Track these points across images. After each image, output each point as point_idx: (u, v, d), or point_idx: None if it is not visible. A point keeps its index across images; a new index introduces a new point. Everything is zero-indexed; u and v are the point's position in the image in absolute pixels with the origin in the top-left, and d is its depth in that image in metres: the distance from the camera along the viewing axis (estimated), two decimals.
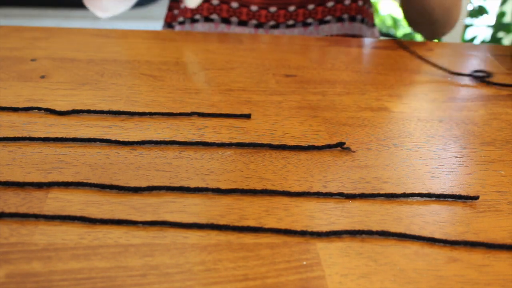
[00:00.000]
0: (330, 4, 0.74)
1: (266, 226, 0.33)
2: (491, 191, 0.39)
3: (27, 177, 0.36)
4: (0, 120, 0.43)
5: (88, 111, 0.44)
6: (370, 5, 0.81)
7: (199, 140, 0.42)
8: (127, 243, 0.31)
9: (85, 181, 0.36)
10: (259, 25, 0.74)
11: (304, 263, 0.31)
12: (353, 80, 0.55)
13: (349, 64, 0.59)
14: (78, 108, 0.45)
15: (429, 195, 0.37)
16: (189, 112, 0.46)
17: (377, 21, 2.13)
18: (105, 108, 0.45)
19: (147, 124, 0.44)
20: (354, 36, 0.77)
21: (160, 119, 0.45)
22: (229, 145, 0.41)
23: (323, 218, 0.34)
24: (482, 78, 0.57)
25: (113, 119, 0.44)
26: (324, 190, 0.37)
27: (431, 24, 0.70)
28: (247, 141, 0.42)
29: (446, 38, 1.33)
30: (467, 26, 1.56)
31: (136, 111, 0.45)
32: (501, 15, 1.56)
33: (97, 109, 0.45)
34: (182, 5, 0.77)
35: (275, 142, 0.42)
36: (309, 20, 0.74)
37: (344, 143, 0.42)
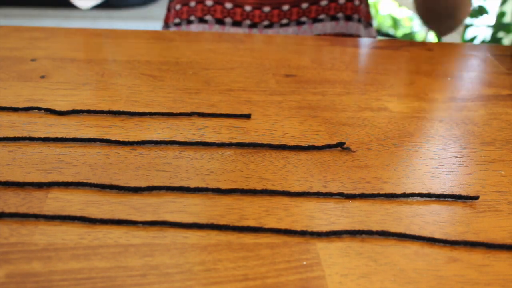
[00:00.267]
0: (323, 2, 0.74)
1: (266, 226, 0.33)
2: (491, 191, 0.39)
3: (27, 177, 0.36)
4: (0, 120, 0.43)
5: (88, 111, 0.44)
6: (367, 4, 0.81)
7: (199, 140, 0.42)
8: (127, 243, 0.31)
9: (85, 181, 0.36)
10: (253, 25, 0.74)
11: (304, 263, 0.31)
12: (353, 80, 0.55)
13: (349, 64, 0.59)
14: (78, 108, 0.45)
15: (429, 195, 0.37)
16: (189, 112, 0.46)
17: (376, 21, 2.13)
18: (105, 108, 0.45)
19: (147, 124, 0.44)
20: (350, 36, 0.77)
21: (160, 119, 0.45)
22: (229, 145, 0.41)
23: (323, 218, 0.34)
24: None
25: (113, 119, 0.44)
26: (324, 190, 0.37)
27: (447, 19, 0.71)
28: (247, 141, 0.42)
29: (446, 38, 1.33)
30: (467, 26, 1.56)
31: (136, 111, 0.45)
32: (501, 15, 1.55)
33: (97, 109, 0.45)
34: (177, 7, 0.77)
35: (275, 142, 0.42)
36: (303, 19, 0.74)
37: (344, 143, 0.42)
